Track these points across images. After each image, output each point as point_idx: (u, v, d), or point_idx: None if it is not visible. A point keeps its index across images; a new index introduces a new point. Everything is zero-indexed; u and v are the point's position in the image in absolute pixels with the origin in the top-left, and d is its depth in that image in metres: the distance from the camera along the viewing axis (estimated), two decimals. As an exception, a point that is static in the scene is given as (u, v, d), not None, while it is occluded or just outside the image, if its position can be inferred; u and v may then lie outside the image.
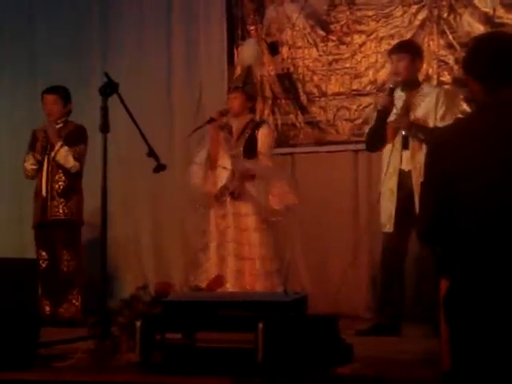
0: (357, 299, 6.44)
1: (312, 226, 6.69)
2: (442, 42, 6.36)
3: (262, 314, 3.78)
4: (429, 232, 2.97)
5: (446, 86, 6.14)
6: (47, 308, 6.27)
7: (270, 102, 7.05)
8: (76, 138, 6.26)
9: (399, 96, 5.46)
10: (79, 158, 6.22)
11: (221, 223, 5.66)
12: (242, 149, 5.67)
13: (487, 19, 6.19)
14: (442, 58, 6.36)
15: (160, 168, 4.61)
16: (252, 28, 7.15)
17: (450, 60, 6.32)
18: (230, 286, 5.38)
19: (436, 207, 2.91)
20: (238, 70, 5.95)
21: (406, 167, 5.34)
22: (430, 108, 5.31)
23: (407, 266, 5.42)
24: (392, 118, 5.40)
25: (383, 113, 5.44)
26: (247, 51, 6.01)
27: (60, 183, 6.25)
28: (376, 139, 5.50)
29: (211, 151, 5.73)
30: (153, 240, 7.38)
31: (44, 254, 6.30)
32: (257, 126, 5.77)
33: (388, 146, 5.43)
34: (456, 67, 6.25)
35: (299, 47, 6.97)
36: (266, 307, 3.93)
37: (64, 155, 6.20)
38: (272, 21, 7.09)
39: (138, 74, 7.40)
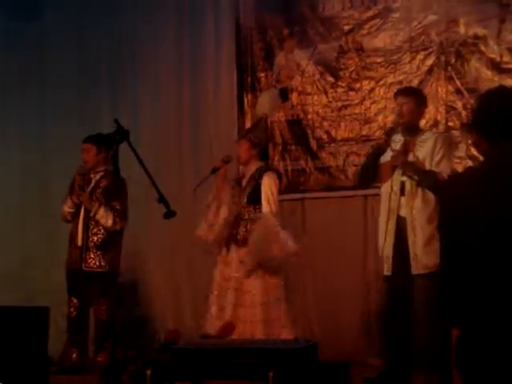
0: (366, 345, 6.39)
1: (322, 271, 6.68)
2: (450, 87, 6.38)
3: (272, 362, 3.77)
4: (446, 282, 2.98)
5: (445, 133, 6.15)
6: (74, 355, 6.24)
7: (280, 147, 7.09)
8: (115, 192, 6.20)
9: (399, 140, 5.51)
10: (120, 215, 6.19)
11: (225, 271, 5.66)
12: (245, 198, 5.70)
13: (494, 65, 6.21)
14: (449, 103, 6.38)
15: (170, 214, 4.62)
16: (262, 75, 7.20)
17: (458, 105, 6.34)
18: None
19: (451, 253, 2.92)
20: (254, 120, 6.01)
21: (403, 213, 5.38)
22: (427, 153, 5.36)
23: (415, 313, 5.39)
24: (387, 158, 5.46)
25: (377, 150, 5.54)
26: (265, 99, 6.07)
27: (99, 236, 6.22)
28: (367, 175, 5.65)
29: (216, 200, 5.77)
30: (165, 286, 7.36)
31: (76, 301, 6.27)
32: (262, 173, 5.80)
33: (386, 190, 5.47)
34: (464, 112, 6.28)
35: (309, 93, 7.02)
36: (277, 355, 3.92)
37: (103, 215, 6.18)
38: (282, 68, 7.15)
39: (150, 123, 7.46)
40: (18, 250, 7.91)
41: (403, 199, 5.36)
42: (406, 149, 5.42)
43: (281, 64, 7.15)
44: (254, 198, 5.70)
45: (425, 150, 5.37)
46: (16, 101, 8.05)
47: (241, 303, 5.51)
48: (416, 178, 5.30)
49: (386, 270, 5.43)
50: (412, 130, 5.48)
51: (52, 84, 7.97)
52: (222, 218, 5.74)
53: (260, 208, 5.68)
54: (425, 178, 5.24)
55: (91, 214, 6.21)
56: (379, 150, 5.53)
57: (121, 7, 7.81)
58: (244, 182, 5.80)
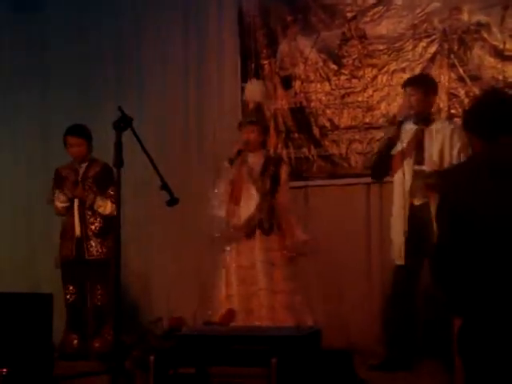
0: (369, 333, 6.41)
1: (324, 259, 6.68)
2: (452, 75, 6.38)
3: (275, 349, 3.79)
4: (442, 265, 3.00)
5: (458, 121, 6.15)
6: (75, 341, 6.29)
7: (283, 135, 7.09)
8: (106, 179, 6.26)
9: (410, 129, 5.51)
10: (116, 200, 6.19)
11: (242, 259, 5.66)
12: (267, 186, 5.73)
13: (497, 52, 6.21)
14: (452, 91, 6.38)
15: (173, 202, 4.61)
16: (265, 62, 7.20)
17: (461, 93, 6.34)
18: (259, 321, 5.38)
19: (449, 241, 2.95)
20: (251, 105, 5.98)
21: (417, 201, 5.37)
22: (445, 145, 5.35)
23: (419, 301, 5.41)
24: (398, 148, 5.46)
25: (388, 143, 5.55)
26: (252, 91, 6.06)
27: (96, 224, 6.26)
28: (380, 168, 5.68)
29: (235, 187, 5.73)
30: (167, 273, 7.38)
31: (72, 288, 6.32)
32: (278, 162, 5.89)
33: (399, 178, 5.47)
34: (466, 100, 6.28)
35: (312, 81, 7.02)
36: (280, 342, 3.94)
37: (101, 204, 6.21)
38: (285, 55, 7.14)
39: (154, 112, 7.48)
40: (24, 238, 7.93)
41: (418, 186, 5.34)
42: (418, 138, 5.42)
43: (284, 51, 7.14)
44: (273, 187, 5.74)
45: (440, 141, 5.36)
46: (18, 99, 8.03)
47: (272, 289, 5.53)
48: (430, 182, 5.27)
49: (399, 261, 5.42)
50: (424, 118, 5.49)
51: (54, 82, 7.96)
52: (250, 202, 5.71)
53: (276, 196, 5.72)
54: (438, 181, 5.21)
55: (87, 205, 6.23)
56: (390, 142, 5.53)
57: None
58: (256, 170, 5.78)
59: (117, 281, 4.29)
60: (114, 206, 6.11)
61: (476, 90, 6.25)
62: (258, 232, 5.67)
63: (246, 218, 5.68)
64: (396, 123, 5.62)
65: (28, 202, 7.88)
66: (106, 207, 6.22)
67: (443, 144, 5.37)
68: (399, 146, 5.47)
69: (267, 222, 5.68)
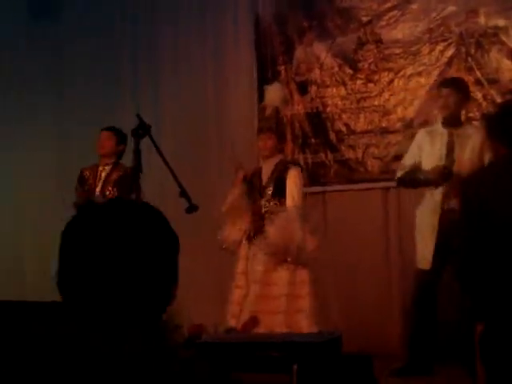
0: (389, 338, 6.39)
1: (344, 264, 6.67)
2: (470, 78, 6.35)
3: (296, 355, 3.78)
4: (467, 270, 3.00)
5: (474, 122, 6.13)
6: None
7: (299, 140, 7.08)
8: (129, 184, 6.12)
9: (441, 133, 5.48)
10: None
11: (246, 264, 5.68)
12: (270, 191, 5.70)
13: (515, 55, 6.20)
14: (470, 94, 6.35)
15: (192, 209, 4.62)
16: (282, 68, 7.20)
17: (479, 96, 6.31)
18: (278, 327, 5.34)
19: (473, 246, 2.95)
20: (268, 111, 5.96)
21: (447, 205, 5.33)
22: (475, 150, 5.29)
23: (441, 305, 5.38)
24: (427, 149, 5.42)
25: (413, 167, 5.57)
26: (273, 93, 6.04)
27: None
28: (409, 183, 5.66)
29: (235, 209, 5.78)
30: (185, 280, 7.36)
31: None
32: (286, 167, 5.78)
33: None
34: (484, 103, 6.25)
35: (328, 86, 7.01)
36: (301, 348, 3.93)
37: None
38: (301, 61, 7.14)
39: (171, 119, 7.49)
40: (31, 246, 7.96)
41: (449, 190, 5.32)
42: (451, 141, 5.40)
43: (300, 57, 7.14)
44: (279, 192, 5.69)
45: (471, 147, 5.32)
46: (34, 101, 8.07)
47: (265, 294, 5.49)
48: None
49: (425, 265, 5.39)
50: (454, 122, 5.46)
51: (71, 84, 8.01)
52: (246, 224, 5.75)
53: (285, 201, 5.65)
54: None
55: None
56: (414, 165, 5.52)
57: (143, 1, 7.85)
58: (265, 176, 5.78)
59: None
60: None
61: (494, 93, 6.23)
62: (258, 238, 5.66)
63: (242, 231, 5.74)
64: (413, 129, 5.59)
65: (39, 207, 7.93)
66: None
67: (473, 150, 5.32)
68: (427, 148, 5.44)
69: (253, 229, 5.67)
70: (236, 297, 5.60)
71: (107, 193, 6.18)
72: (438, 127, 5.52)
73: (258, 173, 5.85)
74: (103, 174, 6.23)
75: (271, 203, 5.67)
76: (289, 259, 5.49)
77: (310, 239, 5.49)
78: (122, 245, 1.60)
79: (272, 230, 5.49)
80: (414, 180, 5.57)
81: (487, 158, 5.26)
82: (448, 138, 5.43)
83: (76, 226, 1.64)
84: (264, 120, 5.97)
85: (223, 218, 5.79)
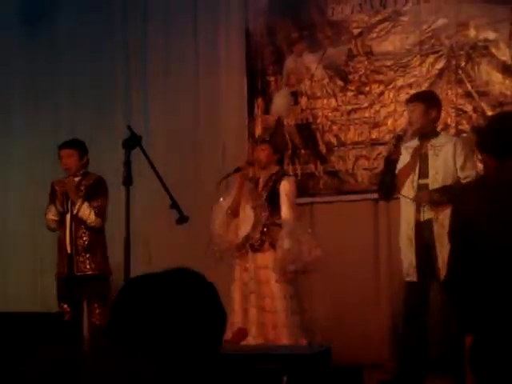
0: (378, 349, 6.39)
1: (332, 276, 6.66)
2: (460, 90, 6.38)
3: (286, 367, 3.77)
4: (454, 283, 3.02)
5: (464, 135, 6.16)
6: None
7: (289, 152, 7.07)
8: (96, 190, 6.17)
9: (415, 145, 5.50)
10: (99, 213, 6.10)
11: (244, 275, 5.67)
12: (264, 199, 5.70)
13: (505, 68, 6.21)
14: (460, 106, 6.37)
15: (183, 219, 4.62)
16: (272, 79, 7.20)
17: (469, 109, 6.33)
18: (251, 339, 5.34)
19: (460, 259, 2.97)
20: (270, 121, 5.98)
21: (423, 217, 5.35)
22: (448, 159, 5.34)
23: (430, 317, 5.38)
24: (401, 165, 5.45)
25: (389, 161, 5.53)
26: (280, 100, 6.06)
27: (84, 238, 6.14)
28: (386, 187, 5.60)
29: (235, 200, 5.76)
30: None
31: (66, 306, 6.24)
32: (279, 178, 5.80)
33: (405, 194, 5.45)
34: (474, 116, 6.28)
35: (318, 97, 7.02)
36: (291, 360, 3.92)
37: (86, 212, 6.13)
38: (291, 71, 7.14)
39: (161, 129, 7.48)
40: (31, 256, 7.94)
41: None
42: (421, 154, 5.42)
43: (290, 68, 7.15)
44: (271, 203, 5.70)
45: (444, 156, 5.35)
46: (28, 105, 8.08)
47: (262, 307, 5.50)
48: (445, 199, 5.22)
49: (411, 278, 5.38)
50: (427, 134, 5.47)
51: (65, 86, 8.00)
52: (248, 220, 5.69)
53: (276, 213, 5.67)
54: (444, 197, 5.20)
55: (75, 212, 6.15)
56: (392, 162, 5.52)
57: (134, 12, 7.84)
58: (260, 186, 5.80)
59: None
60: (99, 219, 6.08)
61: (484, 106, 6.25)
62: (249, 250, 5.65)
63: (244, 236, 5.67)
64: (394, 138, 5.61)
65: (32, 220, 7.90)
66: (90, 216, 6.13)
67: (446, 158, 5.35)
68: (401, 163, 5.47)
69: (257, 239, 5.65)
70: (235, 309, 5.59)
71: (78, 202, 6.17)
72: (415, 141, 5.54)
73: (255, 180, 5.86)
74: (73, 185, 6.27)
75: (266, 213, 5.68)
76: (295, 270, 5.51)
77: (316, 248, 5.56)
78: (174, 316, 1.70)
79: (284, 245, 5.51)
80: (383, 189, 5.67)
81: (460, 166, 5.29)
82: (421, 150, 5.44)
83: (131, 296, 1.68)
84: (263, 131, 6.01)
85: (220, 215, 5.75)
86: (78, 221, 6.14)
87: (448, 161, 5.34)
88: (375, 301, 6.55)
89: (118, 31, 7.86)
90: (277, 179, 5.78)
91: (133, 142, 4.48)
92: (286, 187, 5.73)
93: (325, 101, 6.99)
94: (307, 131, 7.04)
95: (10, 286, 7.91)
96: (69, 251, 6.14)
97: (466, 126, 6.33)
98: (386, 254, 6.50)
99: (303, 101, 7.08)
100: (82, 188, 6.22)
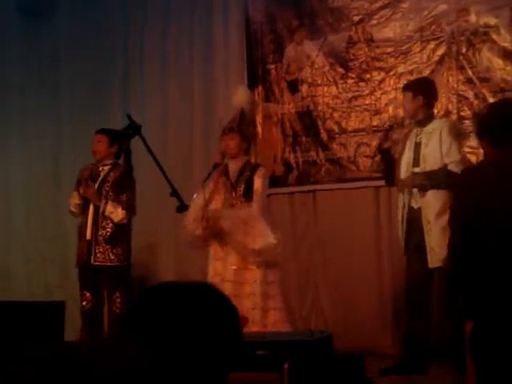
0: (381, 336, 6.39)
1: (334, 263, 6.68)
2: (461, 77, 6.36)
3: (287, 354, 3.77)
4: (457, 271, 3.02)
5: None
6: None
7: (290, 139, 7.08)
8: (123, 184, 6.08)
9: (414, 133, 5.52)
10: (127, 207, 6.01)
11: (217, 264, 5.73)
12: (241, 192, 5.76)
13: (506, 54, 6.19)
14: (461, 92, 6.35)
15: (183, 208, 4.62)
16: (272, 67, 7.19)
17: (470, 95, 6.32)
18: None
19: (463, 244, 2.97)
20: (234, 112, 6.02)
21: (415, 204, 5.36)
22: (435, 145, 5.34)
23: (432, 304, 5.38)
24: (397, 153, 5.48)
25: (385, 150, 5.65)
26: (238, 96, 6.10)
27: (107, 230, 6.11)
28: (388, 175, 5.65)
29: (211, 196, 5.81)
30: (176, 277, 7.37)
31: (88, 294, 6.21)
32: (254, 168, 5.86)
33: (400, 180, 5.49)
34: (476, 102, 6.26)
35: (319, 85, 7.00)
36: (292, 347, 3.92)
37: (112, 211, 6.11)
38: (291, 59, 7.13)
39: (160, 118, 7.48)
40: (35, 245, 7.96)
41: (415, 191, 5.35)
42: (413, 141, 5.45)
43: (290, 56, 7.13)
44: (249, 193, 5.76)
45: (432, 142, 5.36)
46: (25, 100, 8.08)
47: (239, 294, 5.52)
48: (428, 184, 5.26)
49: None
50: (423, 121, 5.47)
51: (66, 80, 8.01)
52: (214, 210, 5.77)
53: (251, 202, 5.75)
54: (434, 182, 5.23)
55: (100, 211, 6.16)
56: (386, 149, 5.61)
57: (133, 3, 7.84)
58: (232, 177, 5.82)
59: (129, 289, 4.29)
60: (125, 212, 6.05)
61: (485, 92, 6.23)
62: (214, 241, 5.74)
63: (210, 227, 5.76)
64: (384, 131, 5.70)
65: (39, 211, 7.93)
66: (118, 214, 6.13)
67: (434, 144, 5.36)
68: (397, 151, 5.50)
69: (210, 231, 5.74)
70: None
71: (103, 192, 6.22)
72: (415, 129, 5.55)
73: (225, 170, 5.88)
74: (102, 174, 6.31)
75: (243, 204, 5.75)
76: (258, 259, 5.54)
77: (270, 237, 5.56)
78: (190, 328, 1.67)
79: (227, 225, 5.60)
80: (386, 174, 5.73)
81: (444, 149, 5.29)
82: (416, 137, 5.46)
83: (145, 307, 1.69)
84: (228, 122, 6.02)
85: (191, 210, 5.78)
86: (102, 214, 6.15)
87: (435, 147, 5.34)
88: (377, 287, 6.55)
89: (117, 22, 7.87)
90: (252, 169, 5.85)
91: (132, 130, 4.46)
92: (260, 177, 5.81)
93: (325, 88, 6.98)
94: (308, 119, 7.03)
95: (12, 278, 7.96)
96: (88, 238, 6.14)
97: (467, 112, 6.31)
98: (388, 241, 6.50)
99: (304, 88, 7.07)
100: (111, 178, 6.23)
